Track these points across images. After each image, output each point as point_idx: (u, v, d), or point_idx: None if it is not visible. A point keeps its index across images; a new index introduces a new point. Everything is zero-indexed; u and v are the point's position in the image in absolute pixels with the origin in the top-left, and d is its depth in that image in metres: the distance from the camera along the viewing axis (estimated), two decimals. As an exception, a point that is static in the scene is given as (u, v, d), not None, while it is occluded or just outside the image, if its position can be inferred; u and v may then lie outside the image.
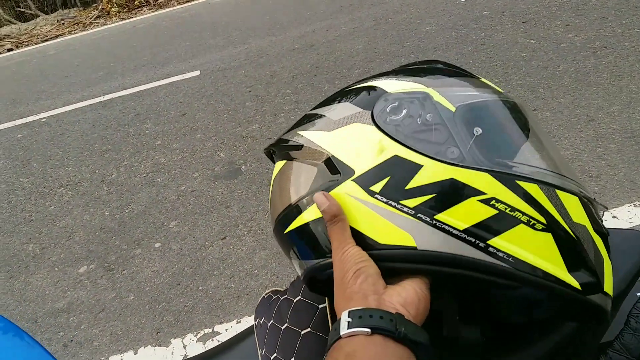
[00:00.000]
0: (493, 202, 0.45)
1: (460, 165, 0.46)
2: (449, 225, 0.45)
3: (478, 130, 0.48)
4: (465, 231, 0.45)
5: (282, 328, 0.63)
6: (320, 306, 0.62)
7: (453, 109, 0.50)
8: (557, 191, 0.47)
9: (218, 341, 1.76)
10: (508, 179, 0.46)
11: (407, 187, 0.47)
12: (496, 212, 0.45)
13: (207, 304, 1.93)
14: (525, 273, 0.45)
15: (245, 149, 2.94)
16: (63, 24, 8.48)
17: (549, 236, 0.46)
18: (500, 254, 0.45)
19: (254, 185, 2.58)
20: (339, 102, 0.57)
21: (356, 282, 0.45)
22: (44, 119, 4.17)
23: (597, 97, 2.50)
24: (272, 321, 0.66)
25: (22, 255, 2.52)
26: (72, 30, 8.00)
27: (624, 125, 2.25)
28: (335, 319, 0.58)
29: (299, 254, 0.55)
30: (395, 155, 0.48)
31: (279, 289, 0.74)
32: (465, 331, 0.50)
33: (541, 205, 0.46)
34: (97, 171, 3.13)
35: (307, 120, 0.59)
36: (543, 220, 0.46)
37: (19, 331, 0.75)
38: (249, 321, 1.81)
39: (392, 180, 0.47)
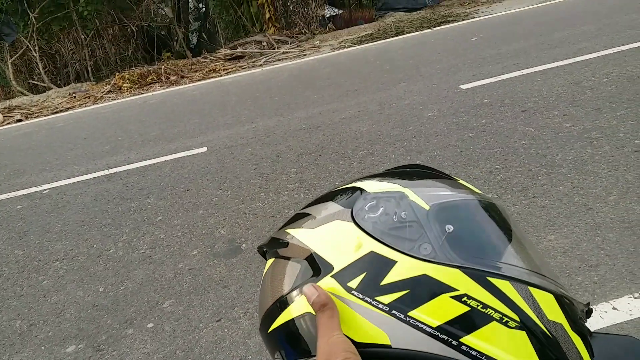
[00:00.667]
0: (465, 298, 0.46)
1: (433, 262, 0.47)
2: (422, 323, 0.46)
3: (450, 228, 0.49)
4: (438, 328, 0.45)
5: None
6: None
7: (427, 207, 0.52)
8: (531, 288, 0.47)
9: None
10: (479, 276, 0.47)
11: (382, 283, 0.48)
12: (468, 309, 0.46)
13: (197, 393, 1.83)
14: None
15: (247, 227, 2.92)
16: (74, 97, 8.80)
17: (523, 334, 0.46)
18: (474, 353, 0.44)
19: (254, 264, 2.54)
20: (325, 201, 0.60)
21: None
22: (46, 191, 4.20)
23: (595, 187, 2.52)
24: None
25: (8, 331, 2.42)
26: (82, 104, 8.29)
27: (622, 215, 2.25)
28: None
29: (284, 354, 0.54)
30: (372, 251, 0.49)
31: None
32: None
33: (513, 302, 0.46)
34: (95, 246, 3.09)
35: (296, 218, 0.62)
36: (516, 317, 0.46)
37: None
38: (240, 413, 1.70)
39: (368, 276, 0.48)
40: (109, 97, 8.34)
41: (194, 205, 3.38)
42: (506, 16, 7.95)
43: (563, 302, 0.50)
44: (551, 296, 0.49)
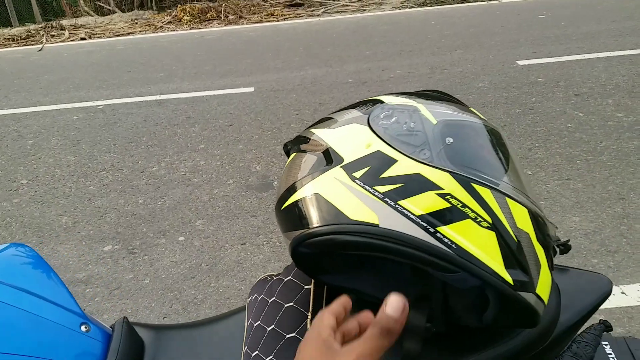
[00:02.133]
0: (448, 197, 0.53)
1: (428, 164, 0.55)
2: (408, 211, 0.54)
3: (449, 140, 0.57)
4: (420, 217, 0.53)
5: (270, 301, 0.72)
6: (306, 287, 0.71)
7: (435, 121, 0.59)
8: (508, 199, 0.55)
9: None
10: (465, 181, 0.54)
11: (381, 176, 0.56)
12: (449, 205, 0.53)
13: (215, 300, 2.00)
14: (465, 260, 0.52)
15: (281, 167, 3.04)
16: (136, 23, 9.00)
17: (492, 234, 0.53)
18: (446, 240, 0.52)
19: (283, 200, 2.66)
20: (349, 108, 0.69)
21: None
22: (101, 107, 4.43)
23: (633, 178, 2.49)
24: (262, 296, 0.75)
25: (55, 225, 2.66)
26: (143, 30, 8.49)
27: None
28: (318, 300, 0.66)
29: (289, 225, 0.63)
30: (378, 150, 0.58)
31: (273, 273, 0.83)
32: (411, 314, 0.53)
33: (490, 207, 0.54)
34: (139, 162, 3.29)
35: (321, 121, 0.71)
36: (489, 219, 0.53)
37: (48, 268, 0.83)
38: (251, 325, 1.86)
39: (371, 169, 0.57)
40: (169, 27, 8.50)
41: (234, 139, 3.52)
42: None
43: (536, 218, 0.57)
44: (525, 210, 0.56)
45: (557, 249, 0.65)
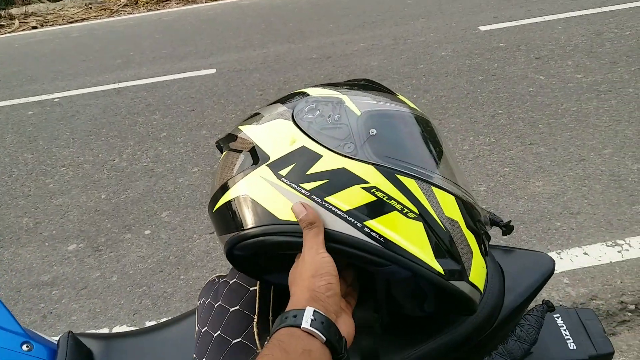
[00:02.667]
0: (374, 190, 0.52)
1: (352, 158, 0.54)
2: (335, 207, 0.53)
3: (373, 131, 0.56)
4: (347, 212, 0.52)
5: (216, 305, 0.71)
6: (251, 288, 0.69)
7: (359, 113, 0.58)
8: (434, 188, 0.54)
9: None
10: (389, 172, 0.53)
11: (307, 173, 0.54)
12: (375, 198, 0.52)
13: (185, 293, 1.97)
14: (393, 253, 0.51)
15: (246, 150, 2.99)
16: (90, 8, 8.65)
17: (419, 224, 0.52)
18: (374, 234, 0.51)
19: (249, 185, 2.62)
20: (275, 103, 0.67)
21: (325, 293, 0.50)
22: (57, 99, 4.27)
23: (593, 139, 2.53)
24: (209, 300, 0.73)
25: (15, 227, 2.58)
26: (98, 15, 8.16)
27: (612, 169, 2.28)
28: (265, 300, 0.64)
29: (222, 228, 0.62)
30: (303, 146, 0.56)
31: (223, 274, 0.80)
32: (358, 307, 0.57)
33: (415, 197, 0.53)
34: (100, 155, 3.20)
35: (250, 116, 0.69)
36: (415, 210, 0.53)
37: None
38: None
39: (297, 166, 0.55)
40: (125, 10, 8.19)
41: (198, 125, 3.44)
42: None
43: (465, 205, 0.57)
44: (452, 197, 0.55)
45: (502, 230, 0.65)
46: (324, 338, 0.46)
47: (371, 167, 0.53)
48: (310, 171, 0.54)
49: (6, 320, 0.73)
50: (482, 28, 4.47)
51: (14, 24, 8.25)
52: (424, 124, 0.61)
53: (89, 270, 2.19)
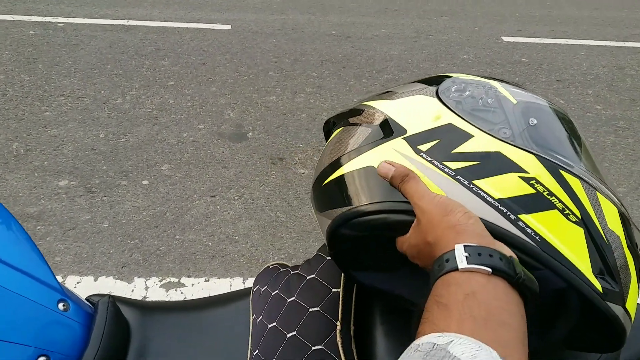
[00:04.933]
0: (533, 182, 0.46)
1: (510, 143, 0.48)
2: (485, 192, 0.46)
3: (534, 121, 0.50)
4: (499, 201, 0.46)
5: (288, 301, 0.63)
6: (334, 290, 0.62)
7: (515, 101, 0.52)
8: (598, 194, 0.48)
9: (181, 292, 1.73)
10: (553, 167, 0.47)
11: (453, 151, 0.48)
12: (534, 191, 0.46)
13: (179, 254, 1.89)
14: (550, 256, 0.44)
15: (257, 117, 2.89)
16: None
17: (580, 230, 0.45)
18: (529, 231, 0.45)
19: (256, 154, 2.54)
20: (410, 83, 0.60)
21: (468, 222, 0.43)
22: (61, 24, 4.04)
23: (607, 174, 2.51)
24: (277, 291, 0.65)
25: (4, 150, 2.43)
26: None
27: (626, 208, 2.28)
28: (347, 308, 0.57)
29: (330, 203, 0.55)
30: (450, 123, 0.50)
31: (286, 263, 0.73)
32: None
33: (579, 199, 0.46)
34: (102, 92, 3.04)
35: (379, 94, 0.61)
36: (578, 213, 0.46)
37: (22, 232, 0.69)
38: (216, 282, 1.78)
39: (441, 143, 0.49)
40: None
41: (208, 80, 3.30)
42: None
43: (625, 219, 0.50)
44: (615, 209, 0.49)
45: None
46: (489, 270, 0.38)
47: (532, 156, 0.47)
48: (457, 150, 0.48)
49: (43, 273, 0.64)
50: (506, 39, 4.42)
51: None
52: (568, 122, 0.56)
53: (79, 211, 2.08)
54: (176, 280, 1.78)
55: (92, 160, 2.41)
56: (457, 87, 0.54)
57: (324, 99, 3.16)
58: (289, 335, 0.58)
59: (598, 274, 0.45)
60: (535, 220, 0.45)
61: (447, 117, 0.50)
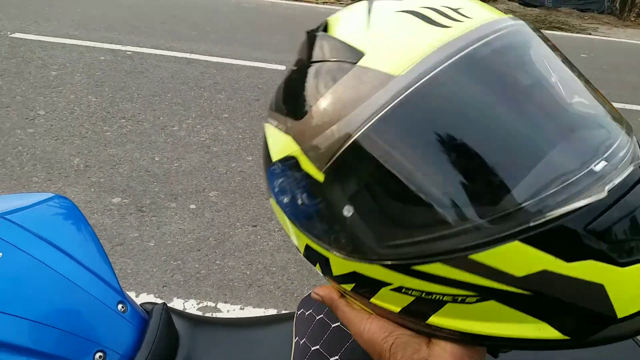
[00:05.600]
0: (404, 290, 0.39)
1: (352, 258, 0.41)
2: (385, 309, 0.42)
3: (347, 212, 0.40)
4: (401, 312, 0.41)
5: (333, 326, 0.64)
6: None
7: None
8: (473, 256, 0.36)
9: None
10: (401, 268, 0.38)
11: (334, 275, 0.44)
12: (413, 298, 0.39)
13: (218, 279, 1.94)
14: (483, 342, 0.40)
15: (303, 154, 2.97)
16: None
17: (492, 303, 0.37)
18: (445, 331, 0.39)
19: (300, 189, 2.59)
20: None
21: (397, 358, 0.42)
22: (129, 52, 4.32)
23: None
24: (321, 316, 0.67)
25: (66, 164, 2.59)
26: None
27: None
28: None
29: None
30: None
31: None
32: None
33: (459, 281, 0.37)
34: (161, 118, 3.21)
35: None
36: (471, 293, 0.37)
37: (91, 232, 0.75)
38: (251, 311, 1.81)
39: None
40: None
41: (259, 115, 3.43)
42: (626, 44, 7.45)
43: (542, 236, 0.35)
44: (516, 244, 0.35)
45: None
46: None
47: (377, 266, 0.40)
48: (335, 273, 0.44)
49: (106, 272, 0.69)
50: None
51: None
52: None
53: (128, 228, 2.17)
54: (213, 304, 1.82)
55: (145, 181, 2.52)
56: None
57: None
58: (331, 359, 0.60)
59: (548, 320, 0.37)
60: (441, 319, 0.39)
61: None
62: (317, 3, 8.09)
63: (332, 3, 8.25)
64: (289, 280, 1.98)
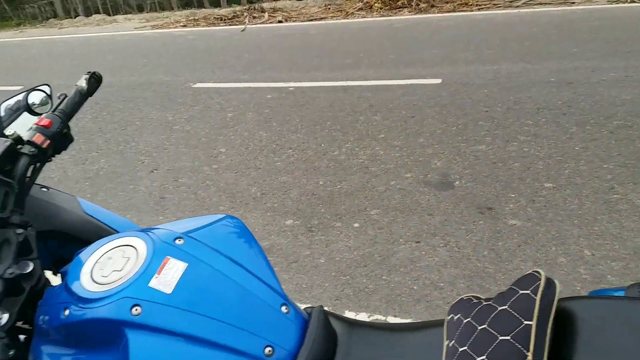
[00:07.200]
0: None
1: None
2: None
3: None
4: None
5: (479, 328, 0.66)
6: (526, 322, 0.63)
7: None
8: None
9: (386, 333, 1.79)
10: None
11: None
12: None
13: (386, 294, 1.97)
14: None
15: (465, 166, 2.88)
16: (329, 8, 9.42)
17: None
18: None
19: (463, 203, 2.52)
20: None
21: None
22: (292, 88, 4.71)
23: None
24: (469, 319, 0.69)
25: (245, 193, 2.90)
26: (335, 16, 8.83)
27: None
28: (540, 341, 0.57)
29: None
30: None
31: (479, 295, 0.76)
32: None
33: None
34: (322, 145, 3.42)
35: None
36: None
37: (256, 244, 0.86)
38: (420, 328, 1.79)
39: None
40: (360, 14, 8.70)
41: (416, 132, 3.44)
42: None
43: None
44: None
45: None
46: None
47: None
48: None
49: (270, 279, 0.78)
50: None
51: (264, 16, 9.46)
52: None
53: (300, 247, 2.34)
54: (383, 318, 1.85)
55: (313, 203, 2.70)
56: None
57: (539, 147, 2.99)
58: (478, 358, 0.60)
59: None
60: None
61: None
62: (472, 10, 7.84)
63: (488, 7, 7.92)
64: (458, 295, 1.92)
